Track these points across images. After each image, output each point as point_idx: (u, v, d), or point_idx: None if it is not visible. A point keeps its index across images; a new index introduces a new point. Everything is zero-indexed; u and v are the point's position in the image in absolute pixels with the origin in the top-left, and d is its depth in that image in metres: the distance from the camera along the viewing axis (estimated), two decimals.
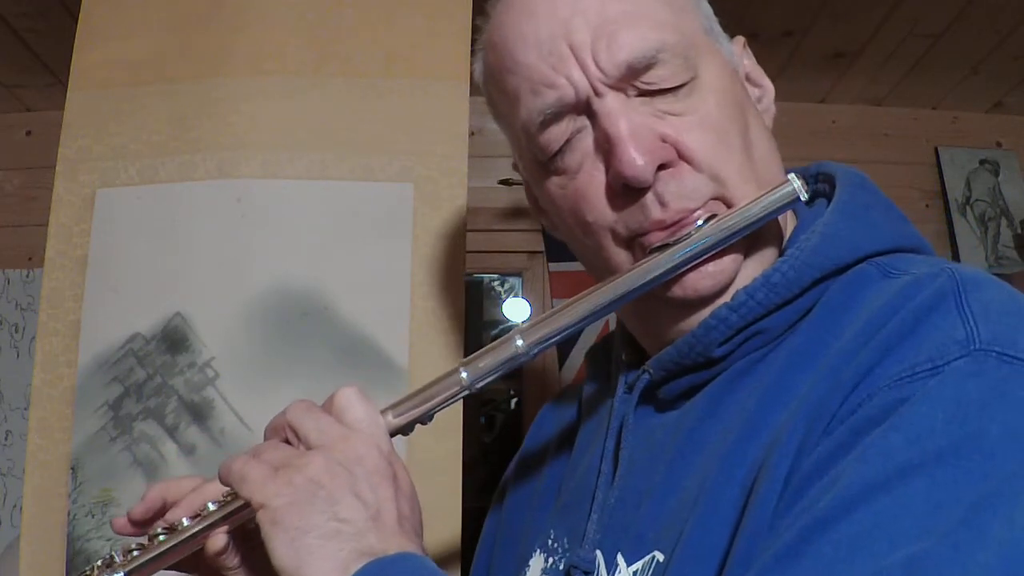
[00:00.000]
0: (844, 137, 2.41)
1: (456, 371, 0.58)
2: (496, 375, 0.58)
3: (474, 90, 1.21)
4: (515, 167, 0.70)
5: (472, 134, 1.16)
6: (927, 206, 2.40)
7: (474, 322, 3.35)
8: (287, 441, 0.56)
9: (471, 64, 0.67)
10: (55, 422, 1.07)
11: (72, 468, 1.05)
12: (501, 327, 3.49)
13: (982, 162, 2.45)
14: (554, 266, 2.21)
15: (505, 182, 2.26)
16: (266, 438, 0.59)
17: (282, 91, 1.14)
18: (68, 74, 1.17)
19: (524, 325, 0.58)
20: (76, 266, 1.11)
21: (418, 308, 1.08)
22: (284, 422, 0.56)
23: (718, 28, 0.63)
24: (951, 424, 0.42)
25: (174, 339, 1.08)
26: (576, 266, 2.22)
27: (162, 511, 0.62)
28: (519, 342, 0.57)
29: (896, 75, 2.27)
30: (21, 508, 1.07)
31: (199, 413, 1.06)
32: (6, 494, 2.13)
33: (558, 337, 0.58)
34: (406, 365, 1.06)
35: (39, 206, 2.00)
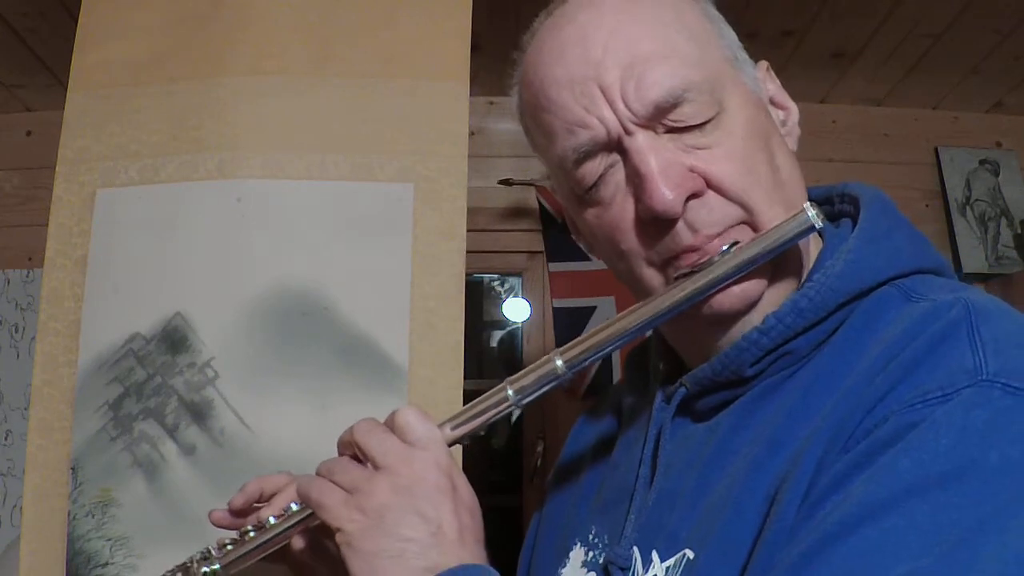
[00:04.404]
0: (844, 137, 2.41)
1: (503, 388, 0.63)
2: (539, 393, 0.63)
3: (474, 90, 1.22)
4: (552, 189, 0.75)
5: (472, 134, 1.16)
6: (927, 206, 2.40)
7: (474, 322, 3.35)
8: (356, 456, 0.61)
9: (511, 97, 0.71)
10: (55, 422, 1.07)
11: (72, 468, 1.05)
12: (506, 328, 3.49)
13: (982, 162, 2.45)
14: (554, 266, 2.22)
15: (505, 182, 2.26)
16: (339, 452, 0.64)
17: (282, 91, 1.14)
18: (68, 74, 1.17)
19: (563, 347, 0.63)
20: (76, 266, 1.11)
21: (418, 308, 1.08)
22: (352, 440, 0.61)
23: (743, 55, 0.66)
24: (954, 451, 0.45)
25: (174, 339, 1.08)
26: (575, 266, 2.23)
27: (258, 502, 0.69)
28: (559, 362, 0.62)
29: (896, 75, 2.27)
30: (21, 508, 1.07)
31: (199, 413, 1.06)
32: (6, 494, 2.13)
33: (594, 356, 0.63)
34: (406, 365, 1.06)
35: (39, 206, 2.00)
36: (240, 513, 0.69)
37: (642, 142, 0.59)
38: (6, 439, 2.16)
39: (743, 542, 0.52)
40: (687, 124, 0.59)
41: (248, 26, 1.16)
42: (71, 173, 1.14)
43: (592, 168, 0.61)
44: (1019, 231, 2.41)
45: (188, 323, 1.08)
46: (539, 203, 2.23)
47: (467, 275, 1.10)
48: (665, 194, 0.57)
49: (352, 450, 0.62)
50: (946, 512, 0.44)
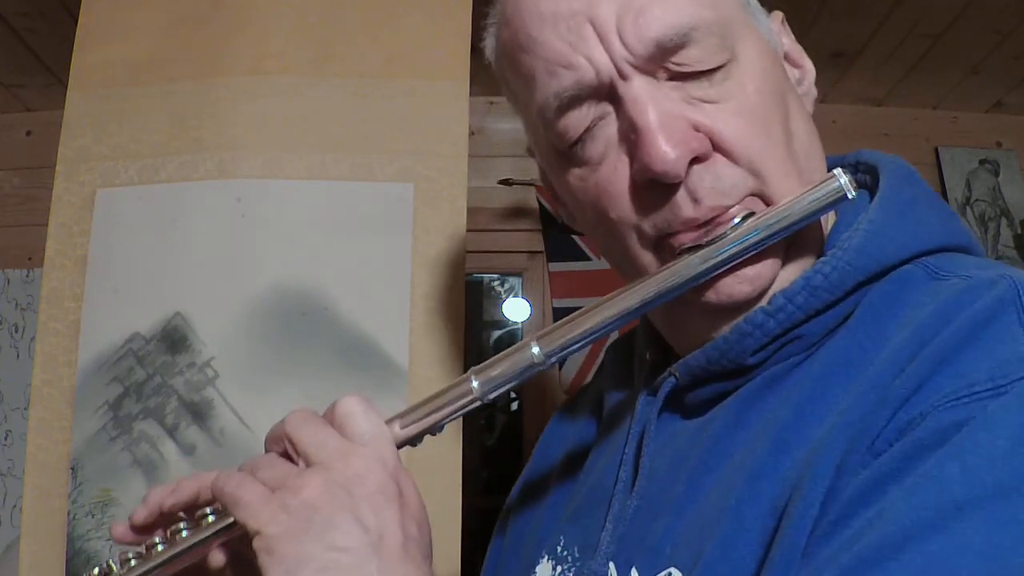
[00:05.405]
0: (844, 137, 2.41)
1: (467, 379, 0.54)
2: (510, 385, 0.54)
3: (474, 90, 1.22)
4: (529, 151, 0.64)
5: (472, 134, 1.16)
6: None
7: (474, 322, 3.35)
8: (286, 454, 0.52)
9: (483, 40, 0.62)
10: (55, 422, 1.07)
11: (72, 468, 1.05)
12: (506, 328, 3.49)
13: (982, 162, 2.45)
14: (554, 266, 2.21)
15: (505, 182, 2.25)
16: (266, 449, 0.55)
17: (282, 91, 1.14)
18: (68, 74, 1.17)
19: (541, 331, 0.54)
20: (76, 266, 1.11)
21: (418, 308, 1.08)
22: (283, 433, 0.52)
23: (755, 2, 0.58)
24: (1014, 455, 0.38)
25: (174, 339, 1.08)
26: (576, 266, 2.23)
27: (165, 515, 0.59)
28: (535, 349, 0.53)
29: (896, 75, 2.27)
30: (21, 508, 1.07)
31: (199, 413, 1.06)
32: (6, 494, 2.13)
33: (578, 345, 0.53)
34: (406, 365, 1.06)
35: (39, 206, 2.00)
36: (144, 529, 0.58)
37: (639, 89, 0.50)
38: (6, 439, 2.16)
39: (743, 561, 0.44)
40: (693, 69, 0.50)
41: (248, 26, 1.16)
42: (71, 173, 1.14)
43: (577, 118, 0.52)
44: (1019, 231, 2.41)
45: (188, 323, 1.08)
46: (539, 203, 2.23)
47: (467, 275, 1.10)
48: (666, 152, 0.48)
49: (283, 446, 0.52)
50: (1007, 530, 0.36)
